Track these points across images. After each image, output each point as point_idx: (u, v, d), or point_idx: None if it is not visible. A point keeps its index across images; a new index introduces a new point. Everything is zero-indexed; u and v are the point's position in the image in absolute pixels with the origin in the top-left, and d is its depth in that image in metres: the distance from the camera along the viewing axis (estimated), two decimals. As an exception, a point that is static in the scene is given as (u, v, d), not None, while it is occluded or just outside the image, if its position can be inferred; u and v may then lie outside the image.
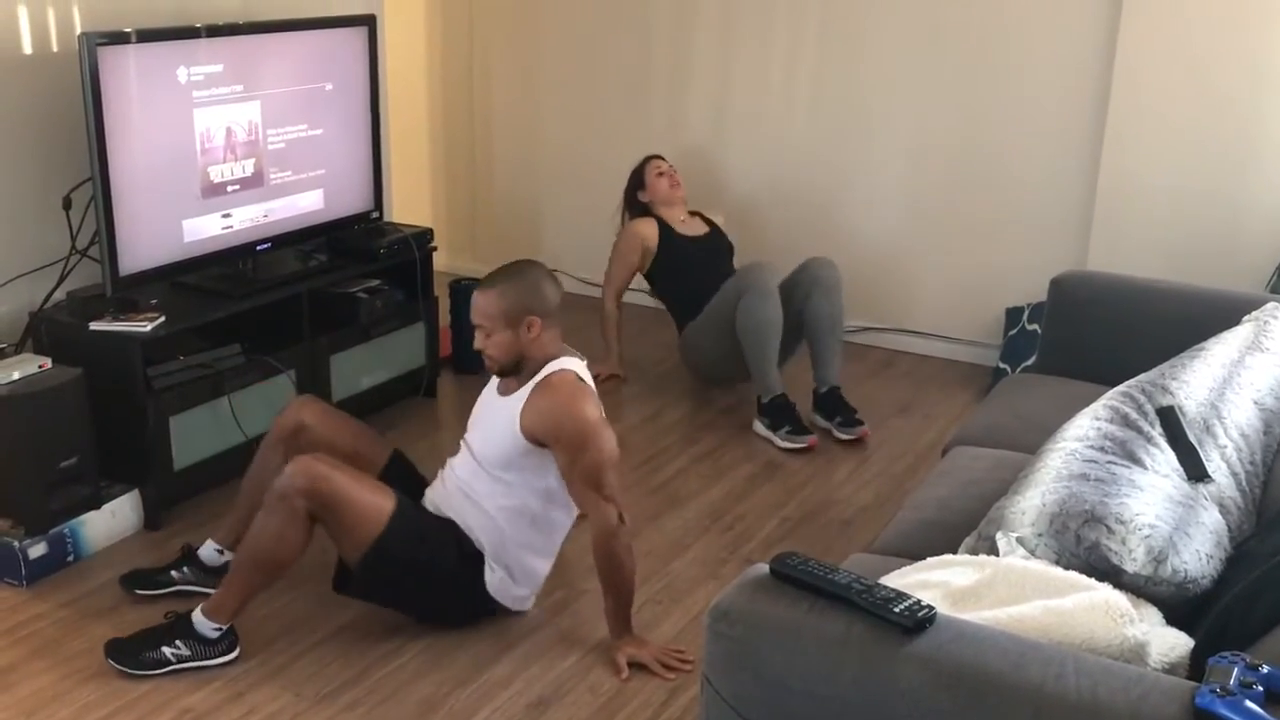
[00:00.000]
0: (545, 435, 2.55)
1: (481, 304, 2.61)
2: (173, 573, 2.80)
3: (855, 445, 3.73)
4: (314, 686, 2.49)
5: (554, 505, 2.67)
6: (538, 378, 2.60)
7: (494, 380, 2.76)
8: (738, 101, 4.69)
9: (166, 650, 2.49)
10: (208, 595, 2.62)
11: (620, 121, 4.92)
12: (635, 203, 4.27)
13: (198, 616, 2.51)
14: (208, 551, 2.81)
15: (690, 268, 4.06)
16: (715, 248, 4.19)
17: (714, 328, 3.91)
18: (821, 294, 3.84)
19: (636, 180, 4.27)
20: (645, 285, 4.31)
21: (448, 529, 2.63)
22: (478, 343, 2.66)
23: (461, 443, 2.77)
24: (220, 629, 2.52)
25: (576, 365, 2.64)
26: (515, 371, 2.65)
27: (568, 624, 2.74)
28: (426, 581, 2.62)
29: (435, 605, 2.69)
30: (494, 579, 2.65)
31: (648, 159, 4.28)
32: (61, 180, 3.20)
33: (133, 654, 2.50)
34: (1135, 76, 3.89)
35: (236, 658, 2.54)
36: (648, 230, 4.14)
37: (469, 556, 2.63)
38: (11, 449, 2.82)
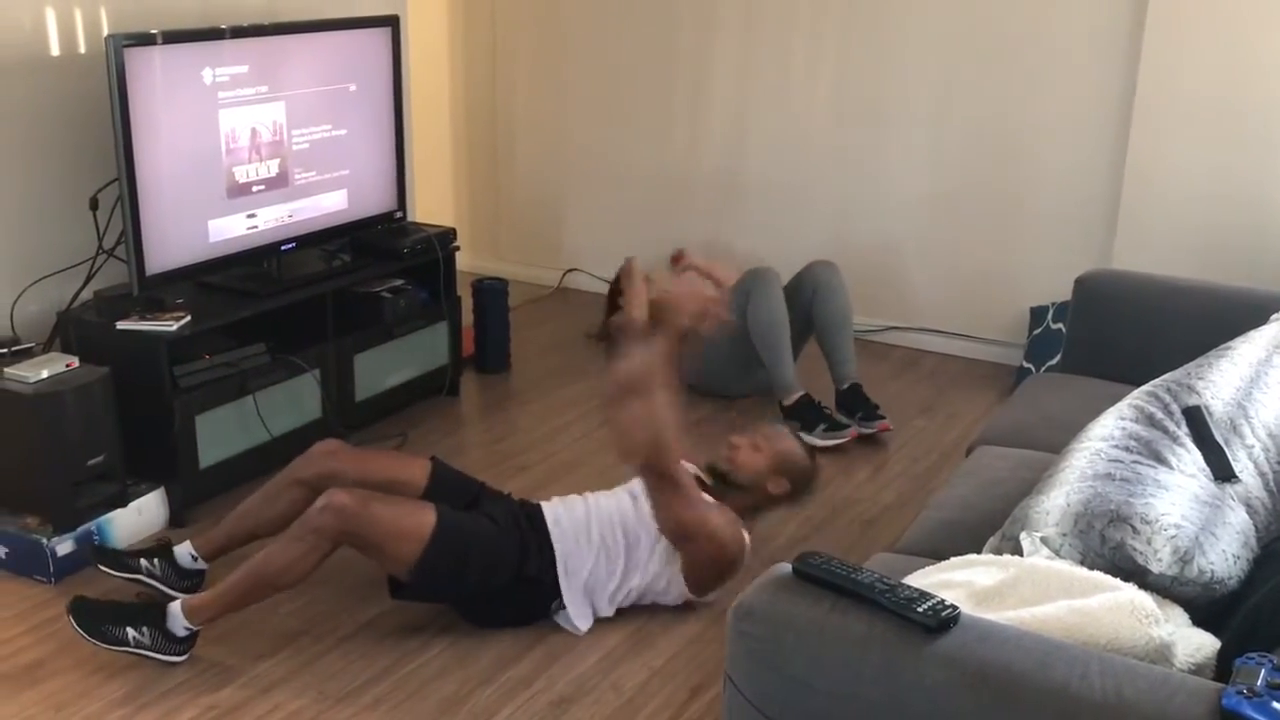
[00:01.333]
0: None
1: (789, 441, 2.91)
2: (142, 560, 2.76)
3: (878, 445, 3.72)
4: (337, 684, 2.51)
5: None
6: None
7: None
8: (759, 99, 4.68)
9: (130, 631, 2.48)
10: (164, 592, 2.68)
11: (643, 120, 4.92)
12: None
13: (174, 611, 2.50)
14: (183, 554, 2.78)
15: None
16: None
17: (719, 338, 3.90)
18: (826, 293, 3.86)
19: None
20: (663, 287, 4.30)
21: (502, 541, 2.63)
22: (740, 440, 2.89)
23: (626, 494, 2.81)
24: (190, 630, 2.52)
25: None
26: (724, 488, 2.81)
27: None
28: (477, 591, 2.63)
29: (487, 611, 2.69)
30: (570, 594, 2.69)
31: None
32: (88, 181, 3.22)
33: (97, 621, 2.49)
34: (1161, 72, 3.86)
35: (184, 661, 2.53)
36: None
37: (527, 575, 2.64)
38: (39, 447, 2.84)
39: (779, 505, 2.94)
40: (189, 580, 2.77)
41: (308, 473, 2.76)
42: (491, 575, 2.61)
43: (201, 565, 2.79)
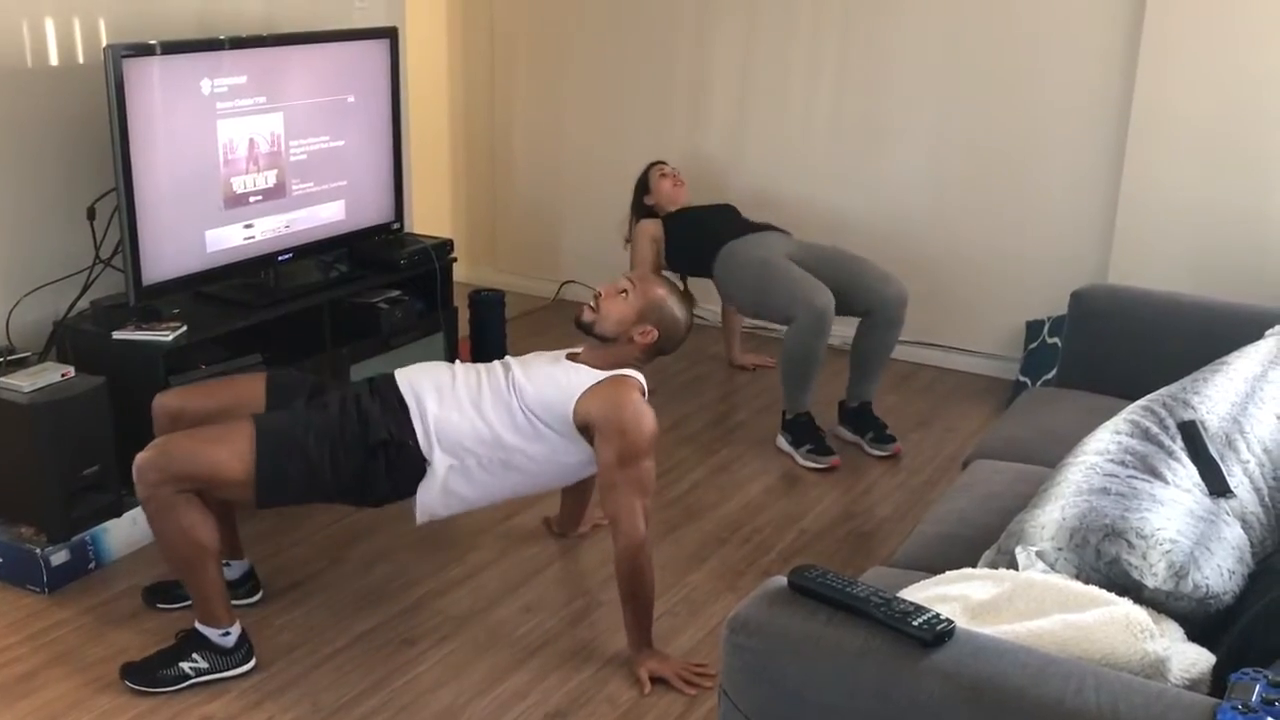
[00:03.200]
0: (603, 425, 2.52)
1: (651, 280, 2.77)
2: None
3: (875, 458, 3.72)
4: (332, 695, 2.50)
5: (525, 475, 2.63)
6: (613, 372, 2.63)
7: (565, 351, 2.77)
8: (758, 111, 4.70)
9: (185, 665, 2.49)
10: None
11: (641, 134, 4.92)
12: (641, 207, 4.36)
13: (201, 628, 2.51)
14: None
15: (696, 224, 4.11)
16: (712, 207, 4.25)
17: (749, 287, 3.85)
18: (884, 325, 3.73)
19: (642, 187, 4.37)
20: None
21: (340, 421, 2.51)
22: (607, 291, 2.72)
23: (500, 365, 2.70)
24: (228, 632, 2.51)
25: (642, 380, 2.68)
26: (598, 340, 2.70)
27: (586, 635, 2.74)
28: (335, 480, 2.51)
29: (364, 490, 2.56)
30: (432, 478, 2.56)
31: (651, 165, 4.38)
32: (86, 190, 3.23)
33: (150, 672, 2.49)
34: (1157, 87, 3.88)
35: (253, 668, 2.55)
36: (652, 227, 4.19)
37: (380, 439, 2.51)
38: (34, 457, 2.84)
39: (649, 355, 2.73)
40: (244, 586, 2.79)
41: (160, 432, 2.61)
42: (338, 458, 2.49)
43: (239, 566, 2.80)
